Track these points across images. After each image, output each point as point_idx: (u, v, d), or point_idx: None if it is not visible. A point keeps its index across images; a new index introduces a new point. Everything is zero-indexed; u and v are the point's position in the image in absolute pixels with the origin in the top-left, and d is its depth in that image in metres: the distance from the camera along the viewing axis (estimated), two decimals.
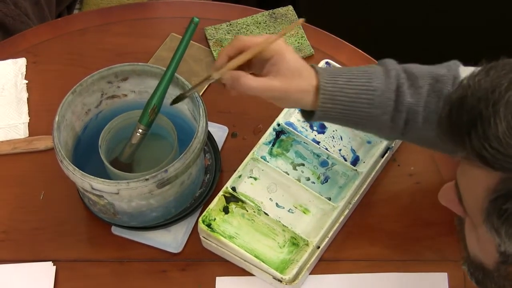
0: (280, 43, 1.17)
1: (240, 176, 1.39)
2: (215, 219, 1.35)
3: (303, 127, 1.45)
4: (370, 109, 1.17)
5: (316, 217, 1.37)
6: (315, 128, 1.46)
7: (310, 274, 1.35)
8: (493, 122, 0.78)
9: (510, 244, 0.83)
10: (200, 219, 1.34)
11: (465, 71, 1.15)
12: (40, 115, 1.55)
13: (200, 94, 1.28)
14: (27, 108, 1.56)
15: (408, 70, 1.18)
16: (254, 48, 1.17)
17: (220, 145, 1.48)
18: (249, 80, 1.16)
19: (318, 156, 1.43)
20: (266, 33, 1.62)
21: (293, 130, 1.43)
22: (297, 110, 1.45)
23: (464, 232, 0.95)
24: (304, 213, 1.38)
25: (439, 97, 1.15)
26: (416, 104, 1.16)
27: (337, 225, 1.36)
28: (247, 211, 1.37)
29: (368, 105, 1.17)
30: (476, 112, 0.80)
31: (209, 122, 1.34)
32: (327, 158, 1.42)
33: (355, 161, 1.42)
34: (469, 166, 0.83)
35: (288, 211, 1.38)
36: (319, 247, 1.34)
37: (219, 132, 1.50)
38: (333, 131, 1.45)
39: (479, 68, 0.84)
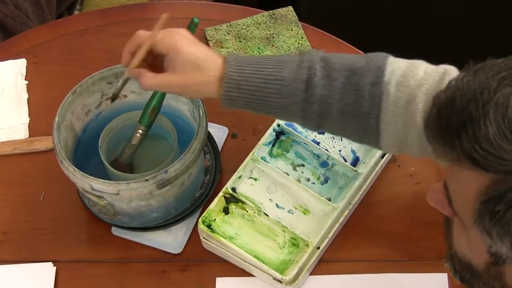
0: (177, 37, 1.18)
1: (240, 177, 1.39)
2: (215, 219, 1.35)
3: (303, 128, 1.45)
4: (278, 98, 1.17)
5: (316, 217, 1.37)
6: None
7: (310, 274, 1.35)
8: (483, 123, 0.78)
9: (501, 245, 0.82)
10: (200, 220, 1.34)
11: (394, 63, 1.15)
12: (40, 115, 1.55)
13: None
14: (27, 109, 1.56)
15: (328, 60, 1.17)
16: (146, 44, 1.17)
17: (220, 146, 1.48)
18: (147, 78, 1.17)
19: (318, 156, 1.43)
20: (266, 33, 1.62)
21: (293, 131, 1.43)
22: None
23: (451, 231, 0.95)
24: (304, 213, 1.38)
25: (355, 90, 1.15)
26: (328, 95, 1.16)
27: (337, 225, 1.36)
28: (247, 211, 1.37)
29: (276, 95, 1.17)
30: (466, 114, 0.80)
31: (209, 123, 1.34)
32: (327, 158, 1.42)
33: (355, 162, 1.42)
34: (459, 168, 0.83)
35: (288, 211, 1.38)
36: (319, 248, 1.34)
37: (219, 133, 1.50)
38: None
39: (465, 70, 0.84)
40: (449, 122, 0.82)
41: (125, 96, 1.42)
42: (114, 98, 1.28)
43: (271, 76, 1.17)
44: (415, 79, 1.12)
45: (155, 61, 1.21)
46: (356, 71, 1.15)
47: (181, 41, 1.17)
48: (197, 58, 1.17)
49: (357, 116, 1.16)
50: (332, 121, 1.18)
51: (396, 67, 1.14)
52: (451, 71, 1.12)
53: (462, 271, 0.96)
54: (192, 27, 1.28)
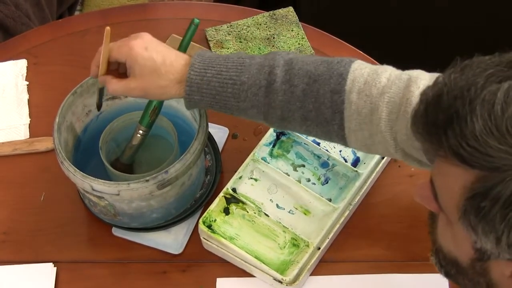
0: (132, 44, 1.21)
1: (240, 177, 1.39)
2: (215, 220, 1.35)
3: None
4: (237, 102, 1.20)
5: (316, 218, 1.37)
6: None
7: (310, 275, 1.34)
8: (470, 120, 0.78)
9: (486, 241, 0.83)
10: (200, 220, 1.34)
11: (357, 70, 1.15)
12: (41, 116, 1.55)
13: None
14: (28, 110, 1.56)
15: (292, 65, 1.18)
16: (104, 54, 1.23)
17: (220, 146, 1.48)
18: (111, 84, 1.24)
19: (319, 157, 1.43)
20: (267, 34, 1.62)
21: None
22: None
23: (436, 227, 0.95)
24: (305, 214, 1.38)
25: (316, 97, 1.16)
26: (289, 102, 1.18)
27: (337, 226, 1.36)
28: (248, 212, 1.37)
29: (234, 99, 1.20)
30: (453, 110, 0.80)
31: (209, 123, 1.34)
32: (327, 159, 1.42)
33: (356, 162, 1.42)
34: (446, 164, 0.83)
35: (289, 212, 1.38)
36: (319, 248, 1.34)
37: (220, 133, 1.50)
38: None
39: (452, 67, 0.85)
40: (436, 118, 0.82)
41: (126, 96, 1.42)
42: (98, 107, 1.34)
43: (230, 80, 1.19)
44: (377, 87, 1.13)
45: (119, 68, 1.26)
46: (317, 78, 1.16)
47: (136, 47, 1.21)
48: (153, 63, 1.21)
49: (319, 122, 1.18)
50: (295, 125, 1.21)
51: (359, 74, 1.15)
52: (418, 76, 1.12)
53: (447, 266, 0.97)
54: (192, 28, 1.28)
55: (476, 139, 0.78)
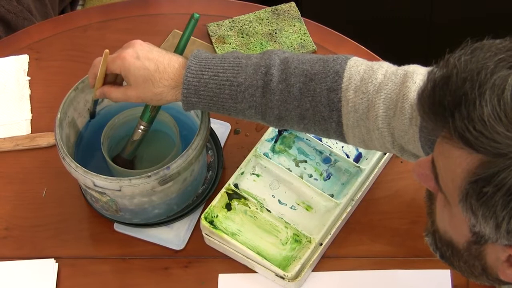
0: (123, 55, 1.24)
1: (242, 173, 1.39)
2: (217, 216, 1.35)
3: None
4: (234, 103, 1.21)
5: (318, 214, 1.37)
6: None
7: (312, 271, 1.34)
8: (478, 104, 0.78)
9: (485, 226, 0.83)
10: (202, 216, 1.34)
11: (353, 68, 1.15)
12: (42, 112, 1.55)
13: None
14: (30, 105, 1.55)
15: (288, 64, 1.19)
16: (102, 65, 1.25)
17: (222, 142, 1.48)
18: (112, 93, 1.28)
19: (321, 152, 1.42)
20: (269, 29, 1.62)
21: None
22: None
23: (433, 207, 0.96)
24: (307, 210, 1.37)
25: (312, 96, 1.17)
26: (286, 101, 1.18)
27: (339, 222, 1.36)
28: (250, 208, 1.36)
29: (232, 100, 1.21)
30: (461, 93, 0.80)
31: (211, 119, 1.34)
32: (329, 154, 1.42)
33: (358, 158, 1.42)
34: (450, 146, 0.83)
35: (291, 208, 1.38)
36: (321, 244, 1.33)
37: (222, 129, 1.49)
38: None
39: (462, 48, 0.84)
40: (444, 99, 0.82)
41: None
42: (91, 115, 1.39)
43: (227, 81, 1.20)
44: (374, 84, 1.13)
45: (117, 79, 1.30)
46: (314, 77, 1.17)
47: (128, 57, 1.23)
48: (146, 71, 1.22)
49: (317, 120, 1.18)
50: (293, 123, 1.21)
51: (355, 72, 1.15)
52: (414, 71, 1.12)
53: (442, 248, 0.97)
54: (192, 22, 1.28)
55: (483, 124, 0.77)
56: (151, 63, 1.22)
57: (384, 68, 1.14)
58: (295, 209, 1.38)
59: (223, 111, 1.23)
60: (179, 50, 1.29)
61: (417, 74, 1.11)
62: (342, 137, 1.19)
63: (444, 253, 0.97)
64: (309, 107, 1.17)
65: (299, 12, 1.65)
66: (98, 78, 1.27)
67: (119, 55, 1.24)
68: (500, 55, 0.80)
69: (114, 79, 1.29)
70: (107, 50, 1.24)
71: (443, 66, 0.84)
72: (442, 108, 0.82)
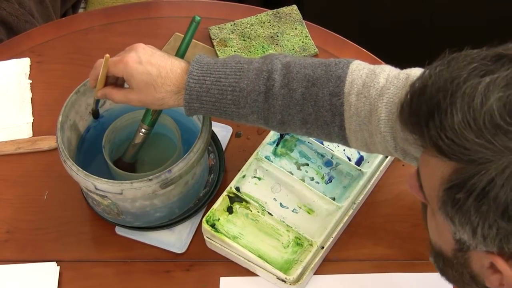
0: (126, 60, 1.23)
1: (244, 176, 1.39)
2: (219, 219, 1.35)
3: None
4: (237, 108, 1.21)
5: (320, 217, 1.37)
6: None
7: (314, 274, 1.34)
8: (449, 112, 0.79)
9: (463, 232, 0.84)
10: (204, 219, 1.34)
11: (355, 72, 1.16)
12: (44, 115, 1.55)
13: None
14: (31, 108, 1.55)
15: (290, 68, 1.19)
16: (103, 69, 1.25)
17: (224, 145, 1.48)
18: (113, 95, 1.27)
19: (323, 156, 1.42)
20: (270, 32, 1.62)
21: None
22: None
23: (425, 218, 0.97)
24: (308, 213, 1.37)
25: (315, 101, 1.17)
26: (288, 106, 1.18)
27: (341, 225, 1.36)
28: (251, 211, 1.36)
29: (234, 105, 1.21)
30: (435, 102, 0.81)
31: (213, 122, 1.34)
32: (331, 158, 1.42)
33: (360, 161, 1.42)
34: (427, 155, 0.85)
35: (292, 211, 1.38)
36: (323, 247, 1.33)
37: (223, 132, 1.49)
38: None
39: (440, 59, 0.86)
40: (419, 109, 0.83)
41: None
42: (94, 114, 1.38)
43: (229, 87, 1.20)
44: (376, 88, 1.13)
45: (118, 81, 1.29)
46: (316, 82, 1.17)
47: (131, 62, 1.23)
48: (149, 76, 1.22)
49: (319, 124, 1.18)
50: (295, 128, 1.21)
51: (357, 76, 1.15)
52: (416, 75, 1.12)
53: (437, 260, 0.98)
54: (193, 25, 1.28)
55: (454, 132, 0.79)
56: (154, 68, 1.22)
57: (386, 72, 1.14)
58: (296, 212, 1.37)
59: (226, 116, 1.23)
60: (180, 53, 1.29)
61: None
62: (345, 141, 1.19)
63: (439, 264, 0.99)
64: (311, 112, 1.17)
65: (300, 15, 1.65)
66: (99, 81, 1.27)
67: (122, 59, 1.23)
68: (474, 63, 0.82)
69: (115, 81, 1.29)
70: (107, 55, 1.24)
71: (420, 77, 0.86)
72: (417, 118, 0.84)
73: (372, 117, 1.13)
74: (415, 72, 1.13)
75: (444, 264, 0.96)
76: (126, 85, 1.29)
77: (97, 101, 1.36)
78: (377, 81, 1.13)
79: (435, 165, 0.84)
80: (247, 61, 1.21)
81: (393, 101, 1.11)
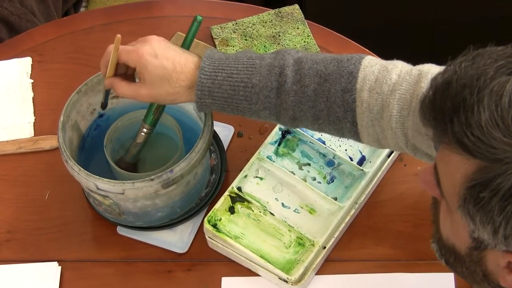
0: (141, 51, 1.21)
1: (246, 176, 1.39)
2: (220, 219, 1.34)
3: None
4: (249, 104, 1.20)
5: (322, 217, 1.36)
6: None
7: (316, 274, 1.34)
8: (476, 110, 0.79)
9: (483, 231, 0.83)
10: (205, 219, 1.34)
11: (368, 68, 1.15)
12: (45, 114, 1.54)
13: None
14: (32, 108, 1.55)
15: (302, 64, 1.18)
16: (112, 60, 1.23)
17: (226, 145, 1.47)
18: (120, 88, 1.25)
19: (324, 155, 1.42)
20: (272, 32, 1.62)
21: (299, 130, 1.42)
22: None
23: (438, 214, 0.96)
24: (310, 213, 1.37)
25: (327, 97, 1.16)
26: (300, 102, 1.18)
27: (343, 225, 1.35)
28: (253, 211, 1.36)
29: (246, 101, 1.20)
30: (460, 98, 0.80)
31: (214, 122, 1.34)
32: (333, 157, 1.42)
33: (362, 161, 1.41)
34: (449, 151, 0.84)
35: (294, 211, 1.37)
36: (325, 247, 1.33)
37: (225, 132, 1.49)
38: None
39: (464, 55, 0.85)
40: (443, 105, 0.83)
41: None
42: (103, 106, 1.35)
43: (242, 82, 1.19)
44: (388, 84, 1.13)
45: (128, 71, 1.27)
46: (328, 78, 1.16)
47: (146, 55, 1.21)
48: (164, 70, 1.20)
49: (331, 120, 1.18)
50: (307, 123, 1.21)
51: (369, 72, 1.15)
52: (428, 71, 1.12)
53: (446, 254, 0.98)
54: (195, 25, 1.28)
55: (480, 129, 0.78)
56: (169, 62, 1.21)
57: (398, 68, 1.14)
58: (298, 212, 1.37)
59: (237, 112, 1.22)
60: None
61: (432, 74, 1.10)
62: (356, 137, 1.19)
63: (448, 259, 0.98)
64: (323, 108, 1.17)
65: (302, 15, 1.65)
66: (110, 66, 1.24)
67: (137, 50, 1.21)
68: (501, 61, 0.81)
69: (125, 70, 1.27)
70: (119, 35, 1.21)
71: (444, 72, 0.85)
72: (442, 114, 0.83)
73: (384, 113, 1.13)
74: (428, 68, 1.13)
75: (455, 260, 0.95)
76: (136, 80, 1.28)
77: (107, 92, 1.32)
78: (389, 77, 1.13)
79: (457, 162, 0.82)
80: (259, 56, 1.20)
81: (405, 97, 1.11)
